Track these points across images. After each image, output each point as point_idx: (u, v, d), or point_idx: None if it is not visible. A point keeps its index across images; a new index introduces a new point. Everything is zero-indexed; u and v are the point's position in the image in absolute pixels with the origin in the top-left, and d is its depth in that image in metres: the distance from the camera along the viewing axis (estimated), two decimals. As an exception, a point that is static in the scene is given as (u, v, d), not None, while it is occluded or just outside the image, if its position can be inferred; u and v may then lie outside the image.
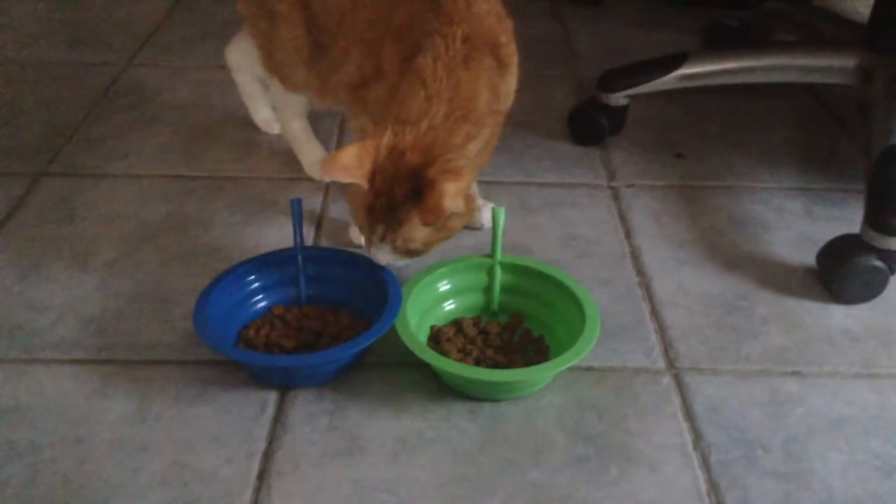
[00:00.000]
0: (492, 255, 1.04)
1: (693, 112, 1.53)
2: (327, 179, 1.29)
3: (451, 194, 0.89)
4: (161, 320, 1.03)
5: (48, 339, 1.00)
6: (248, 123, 1.44)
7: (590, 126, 1.41)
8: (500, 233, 1.03)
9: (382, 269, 1.02)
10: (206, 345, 0.93)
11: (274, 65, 1.22)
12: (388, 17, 1.01)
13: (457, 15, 0.96)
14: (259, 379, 0.95)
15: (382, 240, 0.94)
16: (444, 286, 1.04)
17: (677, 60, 1.35)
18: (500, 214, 1.03)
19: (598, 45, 1.79)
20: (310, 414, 0.92)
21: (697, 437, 0.91)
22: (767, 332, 1.05)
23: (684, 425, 0.92)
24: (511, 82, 1.02)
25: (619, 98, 1.39)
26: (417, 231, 0.93)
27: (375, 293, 1.00)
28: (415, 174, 0.90)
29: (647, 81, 1.36)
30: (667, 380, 0.98)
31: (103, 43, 1.73)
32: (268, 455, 0.87)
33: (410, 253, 0.96)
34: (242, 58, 1.30)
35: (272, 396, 0.94)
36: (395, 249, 0.96)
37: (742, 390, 0.96)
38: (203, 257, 1.14)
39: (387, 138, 0.92)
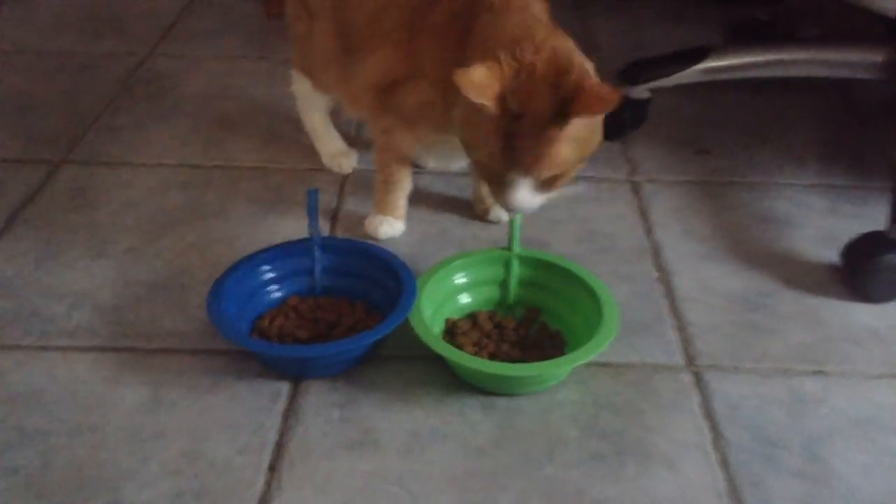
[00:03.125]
0: (509, 249, 1.03)
1: (716, 107, 1.51)
2: (347, 171, 1.29)
3: (604, 89, 0.84)
4: (177, 309, 1.03)
5: (64, 326, 1.00)
6: (267, 114, 1.44)
7: (611, 119, 1.38)
8: (517, 226, 1.02)
9: (398, 261, 1.01)
10: (221, 334, 0.93)
11: (307, 65, 1.23)
12: (421, 20, 1.00)
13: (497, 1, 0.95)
14: (272, 369, 0.94)
15: (528, 171, 0.87)
16: (459, 279, 1.03)
17: (701, 53, 1.33)
18: (519, 207, 1.01)
19: (620, 39, 1.76)
20: (322, 405, 0.91)
21: (717, 435, 0.89)
22: (789, 331, 1.03)
23: (704, 423, 0.90)
24: None
25: (641, 91, 1.37)
26: (568, 148, 0.86)
27: (391, 285, 0.99)
28: (555, 85, 0.85)
29: (670, 74, 1.34)
30: (686, 377, 0.96)
31: (124, 33, 1.74)
32: (280, 446, 0.87)
33: (550, 184, 0.89)
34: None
35: (285, 387, 0.93)
36: (538, 184, 0.88)
37: (763, 389, 0.95)
38: (220, 247, 1.13)
39: (508, 60, 0.86)
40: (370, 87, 1.08)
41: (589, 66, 0.91)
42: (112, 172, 1.29)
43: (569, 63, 0.88)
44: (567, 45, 0.91)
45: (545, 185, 0.91)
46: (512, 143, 0.87)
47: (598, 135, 0.92)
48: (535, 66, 0.87)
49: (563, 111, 0.86)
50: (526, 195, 0.90)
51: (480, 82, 0.85)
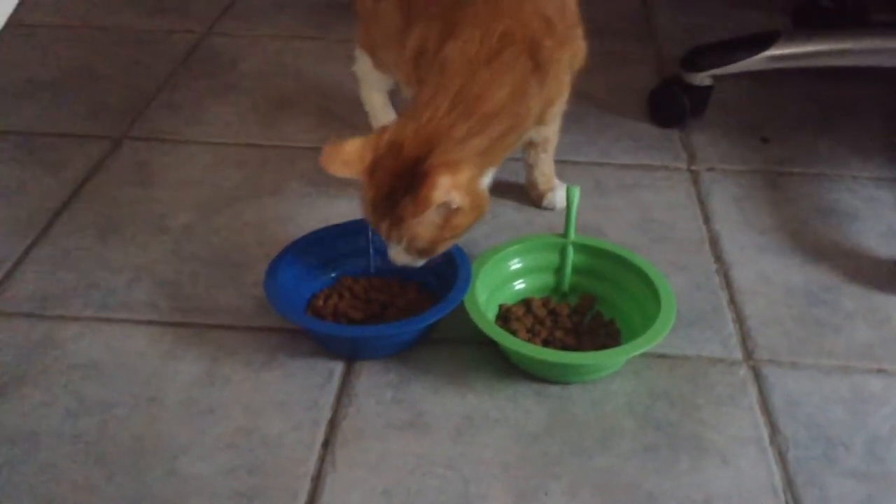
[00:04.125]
0: (565, 235, 1.02)
1: (780, 95, 1.47)
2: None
3: (444, 187, 0.84)
4: (233, 286, 1.04)
5: (123, 299, 1.02)
6: (323, 93, 1.45)
7: (671, 106, 1.36)
8: (573, 212, 1.01)
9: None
10: (277, 312, 0.94)
11: (370, 42, 1.23)
12: None
13: (504, 11, 0.94)
14: (327, 348, 0.95)
15: (389, 238, 0.90)
16: (514, 264, 1.02)
17: (768, 40, 1.29)
18: (575, 194, 1.00)
19: (681, 23, 1.73)
20: (375, 386, 0.91)
21: (774, 431, 0.87)
22: (852, 327, 1.00)
23: (761, 419, 0.88)
24: (552, 90, 0.99)
25: (703, 78, 1.34)
26: (421, 229, 0.89)
27: (444, 268, 0.99)
28: (413, 167, 0.87)
29: (734, 61, 1.31)
30: (744, 371, 0.94)
31: (184, 11, 1.75)
32: (333, 424, 0.87)
33: (422, 252, 0.92)
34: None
35: (338, 367, 0.94)
36: (407, 249, 0.91)
37: (823, 386, 0.92)
38: (275, 225, 1.14)
39: (389, 132, 0.89)
40: (410, 58, 1.07)
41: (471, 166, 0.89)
42: (171, 149, 1.31)
43: (434, 149, 0.87)
44: (454, 131, 0.88)
45: (417, 252, 0.92)
46: (377, 211, 0.89)
47: (465, 218, 0.90)
48: (402, 146, 0.87)
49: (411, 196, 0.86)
50: (400, 255, 0.93)
51: (352, 158, 0.87)
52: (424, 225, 0.89)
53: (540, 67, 0.96)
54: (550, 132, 1.12)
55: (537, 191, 1.18)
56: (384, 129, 0.90)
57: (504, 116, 0.92)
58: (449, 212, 0.88)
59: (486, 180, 0.96)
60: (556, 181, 1.18)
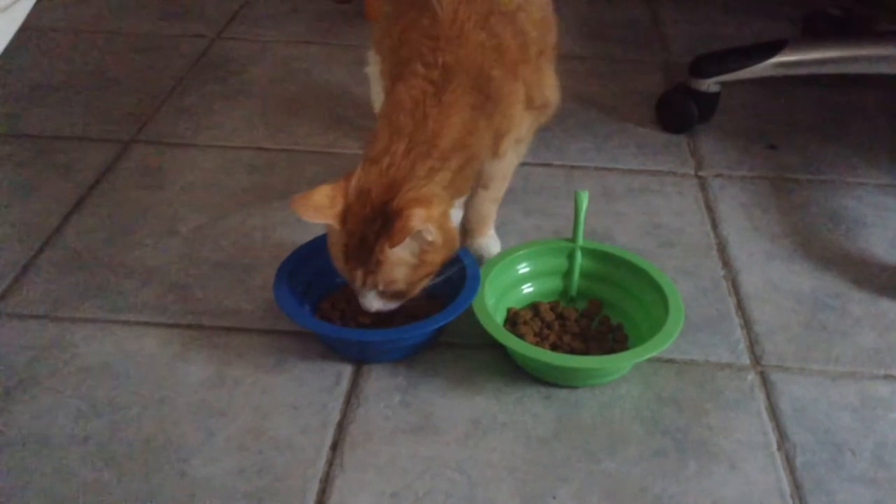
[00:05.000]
0: (573, 240, 1.02)
1: (787, 102, 1.47)
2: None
3: (420, 217, 0.85)
4: (242, 288, 1.05)
5: (133, 301, 1.03)
6: (332, 98, 1.45)
7: (679, 112, 1.37)
8: (582, 217, 1.01)
9: (461, 248, 1.01)
10: (287, 315, 0.94)
11: (383, 47, 1.23)
12: (399, 17, 1.01)
13: (446, 42, 0.93)
14: (336, 351, 0.95)
15: (364, 285, 0.90)
16: (523, 268, 1.02)
17: (775, 47, 1.30)
18: (584, 198, 1.00)
19: (689, 30, 1.73)
20: (383, 389, 0.92)
21: (782, 437, 0.87)
22: (860, 333, 1.00)
23: (769, 424, 0.89)
24: (502, 123, 0.97)
25: (711, 84, 1.35)
26: (397, 270, 0.89)
27: (452, 272, 0.99)
28: (383, 210, 0.87)
29: (742, 68, 1.31)
30: (752, 377, 0.94)
31: (194, 16, 1.76)
32: (341, 427, 0.88)
33: (396, 296, 0.92)
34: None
35: (347, 370, 0.94)
36: (381, 295, 0.91)
37: (831, 392, 0.93)
38: (284, 229, 1.15)
39: (356, 178, 0.89)
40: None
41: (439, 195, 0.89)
42: (180, 152, 1.31)
43: (399, 190, 0.88)
44: (416, 171, 0.89)
45: (391, 296, 0.92)
46: (350, 258, 0.90)
47: (437, 254, 0.90)
48: (370, 191, 0.88)
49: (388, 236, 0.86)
50: (373, 302, 0.92)
51: (323, 203, 0.88)
52: (399, 266, 0.89)
53: (489, 99, 0.94)
54: (497, 170, 1.04)
55: (466, 230, 1.07)
56: (350, 174, 0.90)
57: (461, 150, 0.92)
58: (422, 249, 0.89)
59: (456, 216, 0.95)
60: (492, 232, 1.09)
